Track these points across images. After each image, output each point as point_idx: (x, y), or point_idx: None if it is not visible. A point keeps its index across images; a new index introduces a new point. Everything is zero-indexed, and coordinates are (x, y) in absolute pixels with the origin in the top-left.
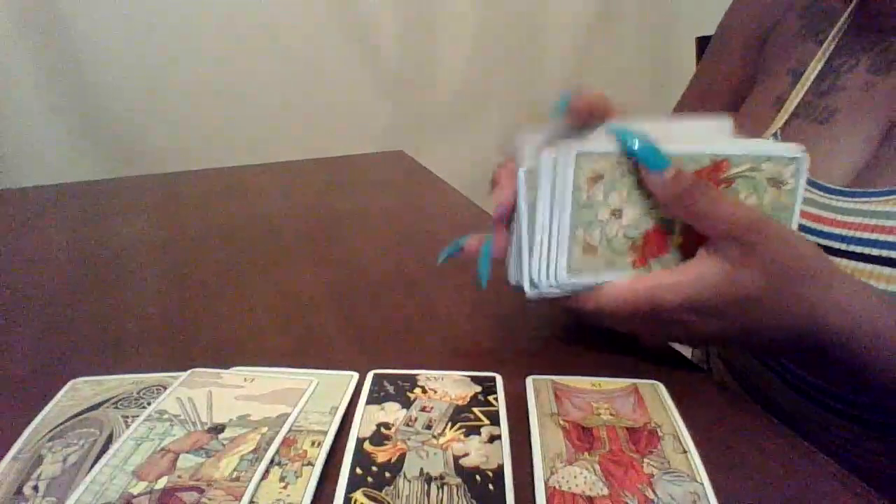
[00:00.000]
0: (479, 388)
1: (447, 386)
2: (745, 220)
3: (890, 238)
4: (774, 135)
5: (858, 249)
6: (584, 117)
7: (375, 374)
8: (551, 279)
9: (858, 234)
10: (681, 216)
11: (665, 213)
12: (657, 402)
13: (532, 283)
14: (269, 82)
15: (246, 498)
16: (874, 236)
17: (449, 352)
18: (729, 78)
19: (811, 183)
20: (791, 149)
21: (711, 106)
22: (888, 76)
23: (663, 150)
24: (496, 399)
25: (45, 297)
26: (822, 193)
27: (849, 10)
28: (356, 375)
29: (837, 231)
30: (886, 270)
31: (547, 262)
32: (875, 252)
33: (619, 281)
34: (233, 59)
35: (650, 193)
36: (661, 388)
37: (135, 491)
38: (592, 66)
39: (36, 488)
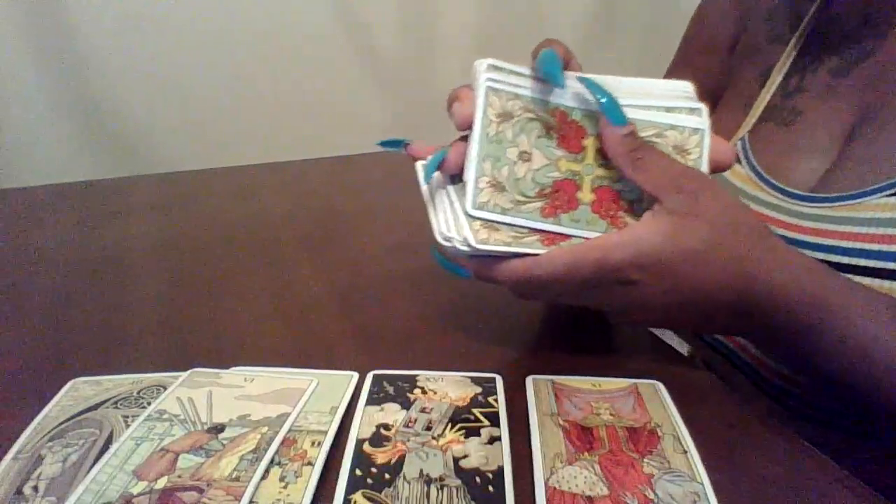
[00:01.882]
0: (479, 389)
1: (447, 387)
2: (689, 174)
3: (847, 244)
4: (742, 139)
5: (821, 256)
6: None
7: (375, 375)
8: (459, 218)
9: (820, 240)
10: (628, 171)
11: (617, 166)
12: (657, 402)
13: (441, 233)
14: (270, 82)
15: (246, 498)
16: (834, 242)
17: (449, 352)
18: (698, 82)
19: (776, 188)
20: (695, 119)
21: None
22: (849, 78)
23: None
24: (496, 400)
25: (45, 296)
26: (785, 198)
27: (811, 12)
28: (356, 375)
29: (801, 237)
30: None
31: (458, 199)
32: (835, 259)
33: (560, 249)
34: (233, 58)
35: (560, 144)
36: (661, 388)
37: (135, 491)
38: (592, 66)
39: (36, 488)
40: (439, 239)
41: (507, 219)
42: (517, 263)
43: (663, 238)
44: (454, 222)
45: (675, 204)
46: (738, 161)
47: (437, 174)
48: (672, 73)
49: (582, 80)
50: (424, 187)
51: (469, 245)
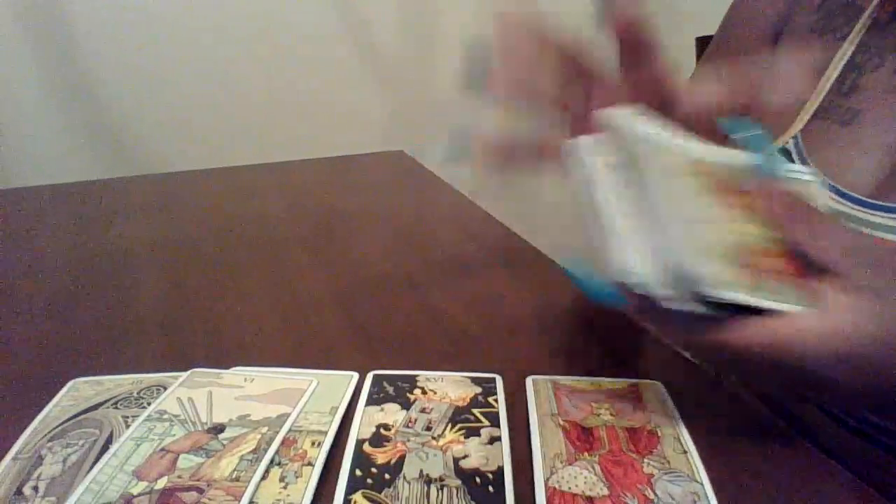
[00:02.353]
0: (478, 389)
1: (447, 387)
2: (867, 242)
3: None
4: (794, 138)
5: None
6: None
7: (375, 375)
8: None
9: None
10: (797, 238)
11: (779, 229)
12: (657, 402)
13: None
14: (269, 82)
15: (246, 498)
16: None
17: (449, 352)
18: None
19: (837, 191)
20: (807, 170)
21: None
22: None
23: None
24: (496, 400)
25: (45, 297)
26: (845, 202)
27: (873, 3)
28: (356, 375)
29: None
30: None
31: (634, 222)
32: None
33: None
34: (233, 58)
35: (720, 200)
36: (661, 388)
37: (135, 491)
38: None
39: (36, 488)
40: (623, 271)
41: (730, 296)
42: (755, 333)
43: (870, 330)
44: (638, 257)
45: (863, 279)
46: (793, 162)
47: (590, 193)
48: (710, 59)
49: (727, 126)
50: (586, 202)
51: (701, 292)
